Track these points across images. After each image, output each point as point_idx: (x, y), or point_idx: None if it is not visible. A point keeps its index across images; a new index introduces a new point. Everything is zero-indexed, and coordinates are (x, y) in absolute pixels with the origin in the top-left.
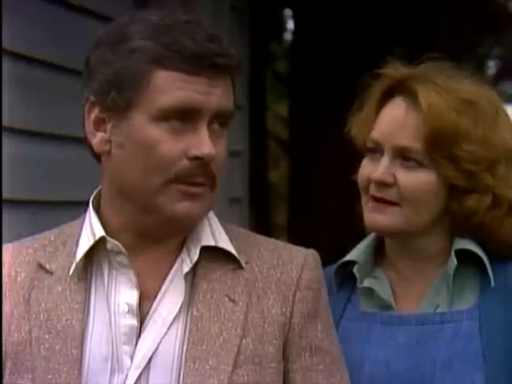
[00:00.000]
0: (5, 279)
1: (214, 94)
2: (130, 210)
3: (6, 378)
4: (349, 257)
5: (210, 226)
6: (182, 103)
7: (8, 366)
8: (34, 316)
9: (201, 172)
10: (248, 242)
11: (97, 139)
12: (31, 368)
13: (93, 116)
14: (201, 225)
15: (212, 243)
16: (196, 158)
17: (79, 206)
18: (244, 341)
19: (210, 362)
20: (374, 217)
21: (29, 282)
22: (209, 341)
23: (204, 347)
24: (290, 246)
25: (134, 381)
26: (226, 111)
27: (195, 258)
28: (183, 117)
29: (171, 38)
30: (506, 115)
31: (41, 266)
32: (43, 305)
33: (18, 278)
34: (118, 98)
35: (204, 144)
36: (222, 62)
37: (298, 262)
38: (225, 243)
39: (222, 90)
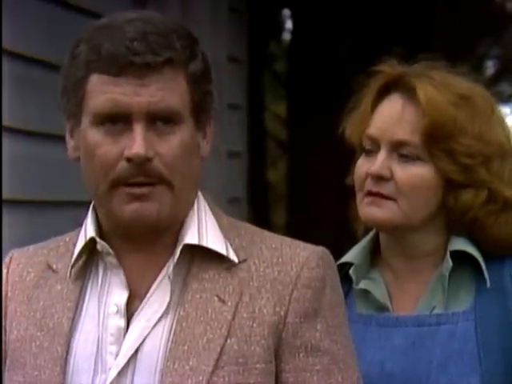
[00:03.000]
0: (15, 279)
1: (143, 95)
2: (104, 214)
3: (6, 374)
4: (345, 258)
5: (199, 222)
6: (107, 107)
7: (7, 362)
8: (32, 314)
9: (139, 172)
10: (252, 239)
11: (69, 146)
12: (23, 364)
13: (68, 124)
14: (188, 222)
15: (195, 241)
16: (128, 159)
17: (77, 207)
18: (229, 341)
19: (191, 363)
20: (372, 210)
21: (35, 282)
22: (192, 341)
23: (186, 347)
24: (297, 243)
25: (111, 380)
26: (163, 110)
27: (176, 257)
28: (116, 119)
29: (97, 40)
30: (500, 113)
31: (49, 266)
32: (41, 303)
33: (27, 278)
34: (71, 104)
35: (133, 145)
36: (143, 60)
37: (300, 261)
38: (211, 241)
39: (155, 88)
